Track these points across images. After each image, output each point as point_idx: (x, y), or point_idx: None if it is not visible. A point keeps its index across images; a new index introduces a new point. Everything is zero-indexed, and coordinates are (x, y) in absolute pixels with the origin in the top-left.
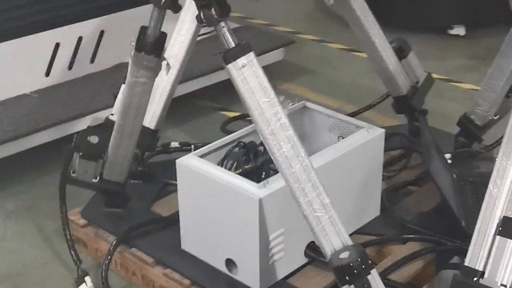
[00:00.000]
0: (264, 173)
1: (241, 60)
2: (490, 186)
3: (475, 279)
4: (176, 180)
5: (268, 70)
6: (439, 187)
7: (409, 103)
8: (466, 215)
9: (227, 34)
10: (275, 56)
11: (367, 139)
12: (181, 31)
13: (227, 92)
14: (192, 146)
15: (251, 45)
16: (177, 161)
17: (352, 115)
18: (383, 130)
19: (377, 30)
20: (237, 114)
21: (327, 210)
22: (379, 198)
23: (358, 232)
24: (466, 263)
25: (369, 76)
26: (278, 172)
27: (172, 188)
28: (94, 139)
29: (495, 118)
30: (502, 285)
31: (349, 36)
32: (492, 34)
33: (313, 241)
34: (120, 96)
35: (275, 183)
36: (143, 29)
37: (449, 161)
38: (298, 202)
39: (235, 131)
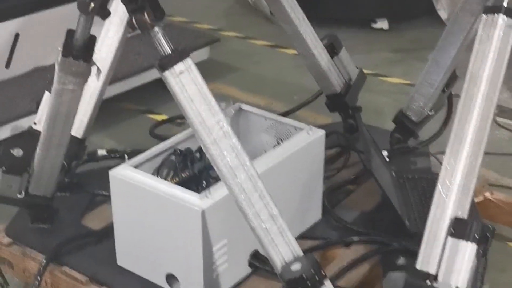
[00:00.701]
0: (204, 181)
1: (179, 67)
2: (438, 186)
3: (428, 282)
4: (106, 191)
5: None
6: (380, 185)
7: (343, 100)
8: (409, 213)
9: (162, 40)
10: (200, 55)
11: (308, 141)
12: (109, 33)
13: (151, 94)
14: (126, 155)
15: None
16: (110, 173)
17: (285, 114)
18: (324, 131)
19: (307, 27)
20: (165, 117)
21: (275, 220)
22: (320, 201)
23: (300, 237)
24: (417, 266)
25: (295, 72)
26: (218, 179)
27: (101, 199)
28: (18, 152)
29: (430, 113)
30: None
31: (272, 32)
32: (414, 27)
33: (256, 250)
34: (44, 104)
35: (217, 192)
36: (70, 33)
37: (387, 159)
38: (245, 214)
39: (164, 135)
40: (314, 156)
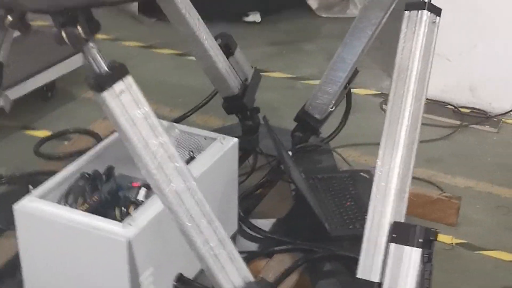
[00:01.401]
0: (117, 205)
1: (119, 86)
2: (374, 191)
3: None
4: None
5: (66, 79)
6: (299, 189)
7: (242, 102)
8: (327, 216)
9: (97, 56)
10: (74, 62)
11: (223, 151)
12: None
13: (25, 107)
14: (30, 186)
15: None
16: (15, 207)
17: (178, 120)
18: (237, 139)
19: (203, 27)
20: (47, 133)
21: (225, 245)
22: (236, 211)
23: None
24: (358, 275)
25: (176, 73)
26: (130, 200)
27: None
28: None
29: (332, 109)
30: None
31: (143, 32)
32: (285, 19)
33: (180, 273)
34: None
35: (140, 219)
36: None
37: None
38: (192, 242)
39: (52, 154)
40: (229, 165)
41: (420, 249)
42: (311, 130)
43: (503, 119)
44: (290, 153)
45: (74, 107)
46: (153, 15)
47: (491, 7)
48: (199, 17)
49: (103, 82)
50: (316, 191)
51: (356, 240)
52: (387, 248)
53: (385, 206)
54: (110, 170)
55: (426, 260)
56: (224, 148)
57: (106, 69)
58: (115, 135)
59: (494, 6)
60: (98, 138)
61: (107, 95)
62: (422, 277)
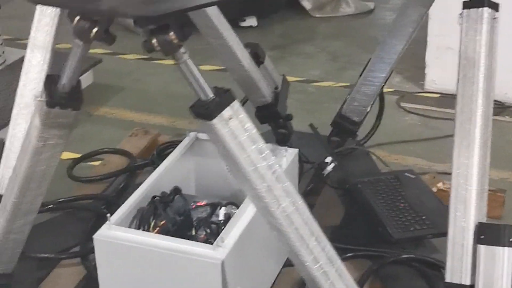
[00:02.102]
0: (196, 225)
1: (227, 112)
2: (453, 193)
3: None
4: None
5: None
6: (355, 196)
7: (275, 110)
8: (385, 220)
9: (202, 82)
10: (85, 81)
11: (289, 162)
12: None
13: None
14: (108, 214)
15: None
16: (95, 237)
17: None
18: (297, 150)
19: (234, 38)
20: (72, 154)
21: (333, 262)
22: None
23: (288, 265)
24: (448, 280)
25: (182, 84)
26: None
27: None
28: None
29: (368, 110)
30: None
31: (139, 43)
32: (279, 21)
33: None
34: (5, 164)
35: (228, 239)
36: (51, 78)
37: (332, 164)
38: (302, 262)
39: (84, 177)
40: (292, 177)
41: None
42: (349, 133)
43: None
44: (329, 158)
45: (90, 126)
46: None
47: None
48: (230, 27)
49: (212, 111)
50: (367, 195)
51: (417, 242)
52: (475, 250)
53: (468, 208)
54: (177, 191)
55: None
56: (288, 159)
57: (213, 96)
58: (172, 157)
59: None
60: (130, 156)
61: (216, 122)
62: None
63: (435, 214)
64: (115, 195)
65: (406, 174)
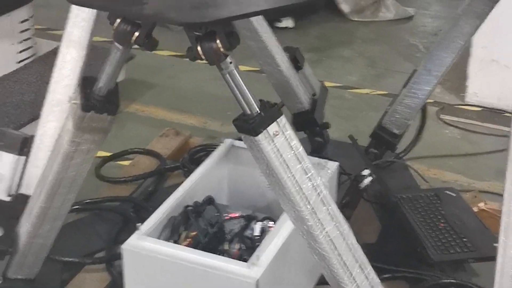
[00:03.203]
0: (230, 238)
1: (273, 128)
2: (504, 220)
3: None
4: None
5: None
6: (395, 213)
7: (312, 117)
8: (424, 239)
9: (249, 97)
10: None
11: (329, 176)
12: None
13: None
14: (138, 224)
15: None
16: (124, 246)
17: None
18: (338, 163)
19: (274, 42)
20: (101, 153)
21: None
22: None
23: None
24: None
25: (217, 85)
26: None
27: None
28: None
29: (410, 123)
30: None
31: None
32: (316, 23)
33: None
34: (33, 165)
35: (263, 257)
36: (87, 80)
37: (370, 178)
38: None
39: (113, 178)
40: (333, 190)
41: None
42: (388, 146)
43: None
44: (367, 171)
45: (120, 123)
46: None
47: None
48: (270, 31)
49: (258, 126)
50: (405, 212)
51: (457, 265)
52: None
53: None
54: (210, 201)
55: None
56: (330, 172)
57: (258, 111)
58: (206, 164)
59: None
60: (161, 158)
61: (261, 138)
62: None
63: (476, 236)
64: (143, 198)
65: (446, 192)
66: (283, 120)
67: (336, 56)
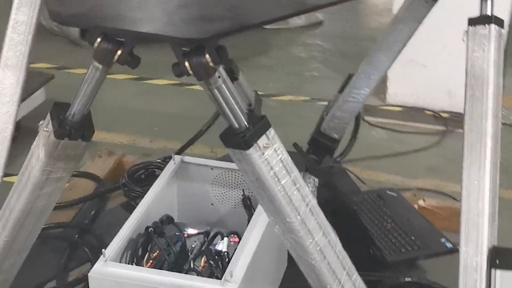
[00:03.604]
0: (194, 256)
1: (263, 141)
2: (464, 217)
3: None
4: None
5: (31, 118)
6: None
7: None
8: (376, 241)
9: (236, 109)
10: (37, 98)
11: None
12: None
13: None
14: (103, 250)
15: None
16: (90, 274)
17: (179, 152)
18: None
19: None
20: None
21: None
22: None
23: None
24: None
25: (140, 100)
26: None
27: None
28: None
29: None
30: None
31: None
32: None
33: None
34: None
35: (235, 272)
36: (59, 106)
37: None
38: None
39: None
40: None
41: None
42: (328, 151)
43: None
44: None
45: None
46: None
47: (464, 10)
48: None
49: (249, 140)
50: (355, 215)
51: (410, 263)
52: (489, 275)
53: (480, 232)
54: (170, 220)
55: None
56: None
57: (247, 124)
58: (159, 183)
59: (466, 9)
60: (98, 180)
61: (252, 152)
62: None
63: (423, 234)
64: (88, 222)
65: (388, 192)
66: (271, 132)
67: (256, 65)
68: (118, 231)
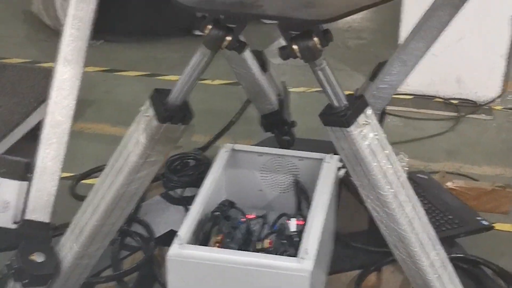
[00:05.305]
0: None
1: (362, 118)
2: None
3: None
4: None
5: None
6: None
7: (282, 117)
8: None
9: (337, 89)
10: None
11: (334, 170)
12: None
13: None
14: (178, 233)
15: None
16: (168, 257)
17: (205, 148)
18: (338, 156)
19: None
20: (67, 174)
21: (446, 267)
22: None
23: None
24: None
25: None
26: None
27: None
28: (39, 257)
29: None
30: None
31: (95, 54)
32: None
33: None
34: (41, 192)
35: (309, 249)
36: (160, 92)
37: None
38: (420, 267)
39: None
40: (336, 184)
41: None
42: None
43: (492, 106)
44: None
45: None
46: (99, 37)
47: (480, 8)
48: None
49: (349, 117)
50: None
51: (451, 241)
52: None
53: None
54: (231, 204)
55: None
56: (334, 166)
57: (347, 103)
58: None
59: (482, 7)
60: None
61: (353, 129)
62: None
63: (460, 213)
64: (133, 211)
65: (419, 175)
66: (369, 110)
67: None
68: (164, 219)
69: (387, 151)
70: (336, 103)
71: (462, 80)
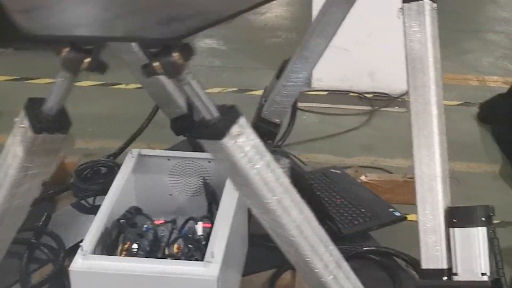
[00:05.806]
0: (166, 243)
1: (235, 129)
2: (418, 181)
3: (444, 278)
4: None
5: None
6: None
7: (192, 120)
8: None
9: (206, 100)
10: None
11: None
12: None
13: None
14: (81, 244)
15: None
16: (71, 269)
17: (119, 152)
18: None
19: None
20: None
21: (340, 266)
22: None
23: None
24: (424, 266)
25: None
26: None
27: None
28: None
29: (288, 110)
30: (482, 274)
31: (6, 64)
32: None
33: None
34: None
35: (216, 254)
36: (34, 101)
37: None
38: (312, 270)
39: None
40: None
41: (485, 227)
42: (270, 136)
43: (405, 99)
44: None
45: None
46: (6, 45)
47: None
48: None
49: (222, 129)
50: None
51: (364, 234)
52: (448, 234)
53: (435, 195)
54: (138, 211)
55: (492, 236)
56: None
57: (218, 114)
58: (120, 176)
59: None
60: (44, 184)
61: (226, 141)
62: (492, 253)
63: (372, 205)
64: (42, 224)
65: (332, 170)
66: (242, 119)
67: None
68: (75, 230)
69: (267, 158)
70: (208, 116)
71: (375, 73)
